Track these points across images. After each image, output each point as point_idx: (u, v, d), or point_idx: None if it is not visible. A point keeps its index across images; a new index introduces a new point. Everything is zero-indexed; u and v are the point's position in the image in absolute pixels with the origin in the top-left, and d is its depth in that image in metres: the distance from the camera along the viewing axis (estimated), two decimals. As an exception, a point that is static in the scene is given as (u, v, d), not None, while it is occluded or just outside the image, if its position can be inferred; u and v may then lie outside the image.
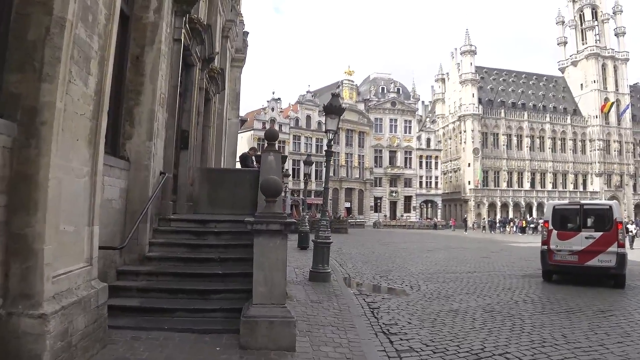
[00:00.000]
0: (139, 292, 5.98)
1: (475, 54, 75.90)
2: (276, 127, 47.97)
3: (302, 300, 8.08)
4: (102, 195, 5.42)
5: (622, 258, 11.07)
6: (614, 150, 79.58)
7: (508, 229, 54.42)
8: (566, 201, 23.01)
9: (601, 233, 11.40)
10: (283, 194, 11.29)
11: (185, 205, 9.28)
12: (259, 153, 9.00)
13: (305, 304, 7.82)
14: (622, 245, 11.28)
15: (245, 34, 21.44)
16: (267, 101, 57.53)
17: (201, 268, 6.57)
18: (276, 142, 8.39)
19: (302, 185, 52.44)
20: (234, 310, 5.56)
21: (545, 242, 12.06)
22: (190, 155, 9.65)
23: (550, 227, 12.16)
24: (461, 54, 76.70)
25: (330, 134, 11.02)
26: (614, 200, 24.93)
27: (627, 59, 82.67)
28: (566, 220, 12.35)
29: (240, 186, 9.98)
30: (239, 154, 17.21)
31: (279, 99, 58.34)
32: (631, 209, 77.32)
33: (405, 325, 6.96)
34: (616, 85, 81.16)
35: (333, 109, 10.88)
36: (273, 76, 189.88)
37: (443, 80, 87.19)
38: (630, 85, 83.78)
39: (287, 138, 55.74)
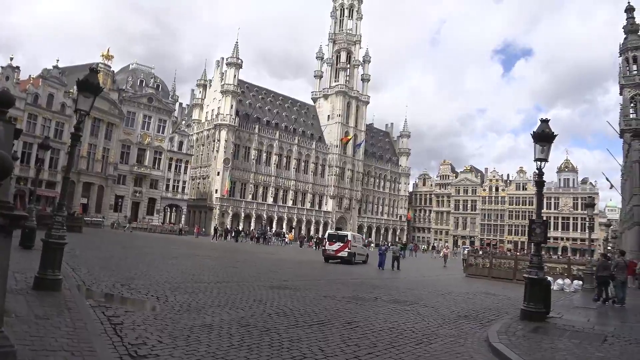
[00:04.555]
0: None
1: (241, 67, 77.88)
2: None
3: (23, 315, 6.46)
4: None
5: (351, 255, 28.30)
6: (347, 177, 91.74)
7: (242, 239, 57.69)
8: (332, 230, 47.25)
9: (342, 243, 28.45)
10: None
11: None
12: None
13: (28, 320, 6.25)
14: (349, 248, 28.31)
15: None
16: (2, 67, 48.22)
17: None
18: (8, 109, 6.61)
19: (31, 173, 45.53)
20: None
21: (324, 246, 30.23)
22: None
23: (326, 240, 30.07)
24: (227, 64, 77.78)
25: (81, 115, 9.42)
26: (350, 232, 38.24)
27: (368, 102, 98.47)
28: (330, 237, 30.42)
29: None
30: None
31: (18, 67, 49.31)
32: (355, 228, 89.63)
33: (156, 345, 6.06)
34: (356, 122, 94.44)
35: (88, 86, 9.30)
36: (15, 39, 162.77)
37: (205, 86, 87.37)
38: (366, 124, 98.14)
39: (21, 115, 47.53)
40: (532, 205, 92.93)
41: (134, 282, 11.56)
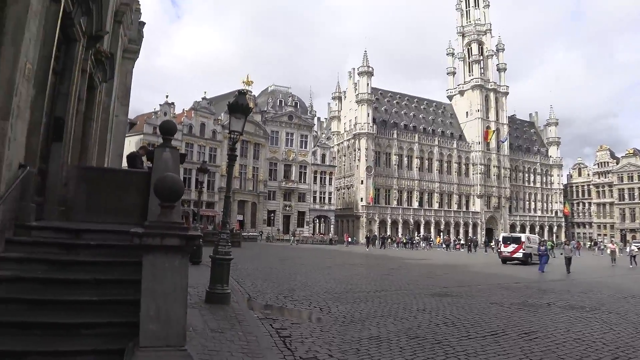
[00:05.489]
0: (-25, 327, 4.25)
1: (372, 75, 78.24)
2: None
3: (199, 329, 6.67)
4: None
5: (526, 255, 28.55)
6: (494, 175, 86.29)
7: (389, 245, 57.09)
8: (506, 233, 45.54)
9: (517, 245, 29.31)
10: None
11: (55, 210, 7.43)
12: (151, 149, 7.48)
13: (204, 334, 6.42)
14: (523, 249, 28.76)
15: (142, 24, 19.40)
16: (160, 105, 54.23)
17: (69, 293, 4.89)
18: (173, 136, 6.95)
19: (192, 196, 49.89)
20: (114, 352, 4.08)
21: (499, 248, 32.35)
22: (65, 149, 7.81)
23: (501, 243, 31.71)
24: (359, 74, 78.73)
25: (235, 135, 9.72)
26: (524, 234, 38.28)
27: (507, 92, 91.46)
28: (505, 239, 31.39)
29: (128, 190, 8.25)
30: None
31: (173, 103, 55.27)
32: (507, 228, 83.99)
33: (327, 360, 5.84)
34: (497, 115, 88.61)
35: (239, 108, 9.59)
36: (167, 79, 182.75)
37: (340, 98, 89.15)
38: (508, 117, 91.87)
39: (180, 145, 52.72)
40: None
41: (296, 293, 11.67)
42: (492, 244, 59.45)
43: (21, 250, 5.42)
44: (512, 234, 40.01)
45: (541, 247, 26.31)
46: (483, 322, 8.84)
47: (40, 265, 5.25)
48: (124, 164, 15.04)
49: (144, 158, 11.40)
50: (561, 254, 25.50)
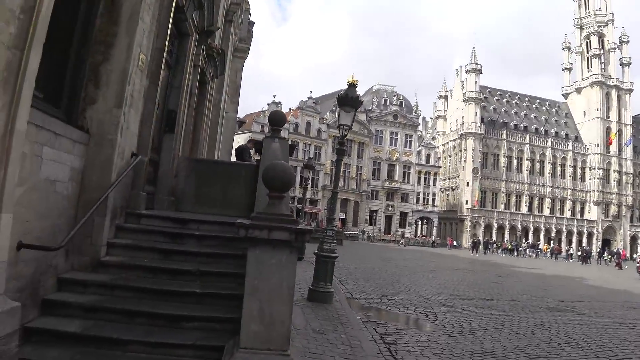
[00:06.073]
0: (84, 311, 4.28)
1: (481, 72, 74.99)
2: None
3: (301, 328, 6.42)
4: (32, 171, 3.77)
5: None
6: (614, 180, 78.41)
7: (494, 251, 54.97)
8: None
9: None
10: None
11: (165, 200, 7.58)
12: (259, 141, 7.40)
13: (305, 334, 6.16)
14: None
15: (251, 24, 19.93)
16: (267, 104, 56.13)
17: (173, 283, 4.84)
18: (282, 127, 6.77)
19: (297, 192, 50.81)
20: (213, 349, 3.90)
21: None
22: (176, 141, 7.97)
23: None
24: (466, 72, 75.81)
25: (344, 130, 9.42)
26: None
27: (632, 90, 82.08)
28: None
29: (235, 182, 8.27)
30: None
31: (280, 102, 56.80)
32: (627, 240, 76.24)
33: (437, 374, 5.31)
34: (619, 115, 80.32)
35: (348, 101, 9.28)
36: (274, 80, 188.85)
37: (446, 97, 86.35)
38: (632, 116, 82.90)
39: (286, 143, 54.34)
40: None
41: (399, 296, 11.15)
42: (604, 255, 54.15)
43: (130, 237, 5.49)
44: None
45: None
46: (613, 345, 7.71)
47: (147, 253, 5.28)
48: (233, 158, 15.44)
49: (252, 152, 11.50)
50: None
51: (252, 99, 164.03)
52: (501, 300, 12.27)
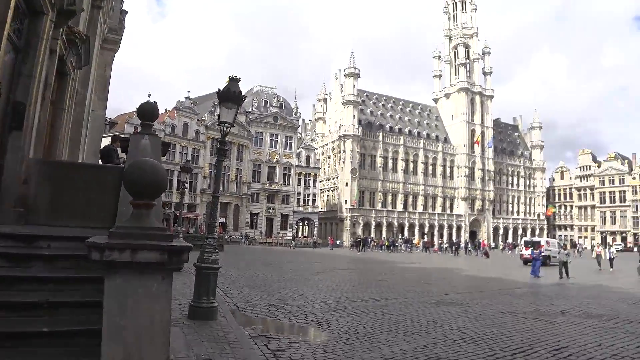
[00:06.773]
0: None
1: (359, 77, 77.54)
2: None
3: (182, 355, 5.55)
4: None
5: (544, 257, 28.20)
6: (478, 177, 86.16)
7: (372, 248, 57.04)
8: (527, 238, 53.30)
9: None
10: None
11: (11, 213, 6.26)
12: (127, 138, 6.36)
13: (188, 363, 5.32)
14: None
15: (124, 13, 18.11)
16: (141, 104, 52.71)
17: (13, 321, 3.77)
18: (153, 122, 5.85)
19: (174, 198, 48.41)
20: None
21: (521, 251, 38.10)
22: (26, 141, 6.65)
23: (522, 246, 37.56)
24: (345, 75, 77.91)
25: (225, 127, 8.62)
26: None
27: (493, 96, 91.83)
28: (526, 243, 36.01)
29: (100, 189, 7.08)
30: (103, 153, 13.91)
31: (155, 102, 53.47)
32: (490, 230, 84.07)
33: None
34: (482, 119, 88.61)
35: (231, 96, 8.43)
36: (150, 80, 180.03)
37: (325, 99, 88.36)
38: (493, 120, 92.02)
39: (161, 145, 51.43)
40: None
41: (288, 304, 10.61)
42: (469, 247, 59.38)
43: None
44: (533, 238, 44.72)
45: (535, 251, 25.73)
46: (504, 336, 7.88)
47: (-24, 284, 4.09)
48: (100, 161, 13.80)
49: (120, 151, 10.23)
50: (554, 257, 25.21)
51: (125, 99, 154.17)
52: (390, 299, 12.26)
